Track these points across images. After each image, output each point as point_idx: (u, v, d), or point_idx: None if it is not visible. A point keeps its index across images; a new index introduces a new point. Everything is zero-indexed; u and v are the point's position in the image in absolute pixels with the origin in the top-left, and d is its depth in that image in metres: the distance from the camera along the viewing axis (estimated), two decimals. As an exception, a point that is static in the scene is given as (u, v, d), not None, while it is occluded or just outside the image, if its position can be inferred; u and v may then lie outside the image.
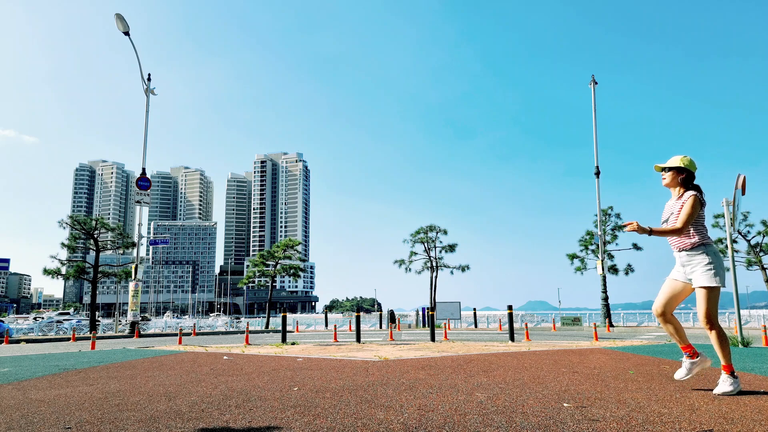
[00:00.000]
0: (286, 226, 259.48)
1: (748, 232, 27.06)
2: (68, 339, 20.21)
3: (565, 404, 3.32)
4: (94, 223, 27.23)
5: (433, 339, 13.77)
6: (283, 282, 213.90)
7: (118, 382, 4.78)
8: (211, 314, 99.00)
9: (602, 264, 27.54)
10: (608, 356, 6.90)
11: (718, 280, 3.70)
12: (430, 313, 15.68)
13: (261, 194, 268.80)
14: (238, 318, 51.64)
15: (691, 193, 3.82)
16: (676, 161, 3.99)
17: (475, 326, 32.26)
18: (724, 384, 3.69)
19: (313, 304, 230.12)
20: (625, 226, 4.00)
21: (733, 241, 10.43)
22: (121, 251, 30.78)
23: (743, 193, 9.50)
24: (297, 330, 29.18)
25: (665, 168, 4.04)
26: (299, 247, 37.17)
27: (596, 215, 29.21)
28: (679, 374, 4.09)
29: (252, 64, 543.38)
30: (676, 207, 3.89)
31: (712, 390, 3.86)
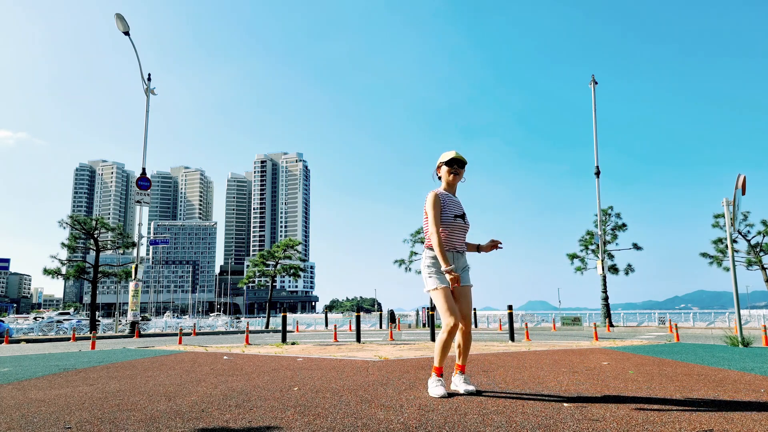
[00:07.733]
0: (286, 226, 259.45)
1: (749, 232, 27.05)
2: (68, 339, 20.21)
3: (565, 404, 3.32)
4: (94, 223, 27.24)
5: (433, 339, 13.77)
6: (283, 282, 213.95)
7: (118, 382, 4.77)
8: (211, 314, 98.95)
9: (602, 264, 27.55)
10: (608, 356, 6.90)
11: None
12: (430, 313, 15.67)
13: (261, 194, 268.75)
14: (238, 318, 51.63)
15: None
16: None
17: (475, 326, 32.26)
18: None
19: (313, 304, 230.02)
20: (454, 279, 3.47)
21: (733, 241, 10.42)
22: (121, 251, 30.83)
23: (743, 193, 9.50)
24: (297, 330, 29.19)
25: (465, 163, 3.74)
26: (299, 247, 37.17)
27: (596, 215, 29.22)
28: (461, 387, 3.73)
29: (253, 65, 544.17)
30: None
31: (712, 394, 3.85)
